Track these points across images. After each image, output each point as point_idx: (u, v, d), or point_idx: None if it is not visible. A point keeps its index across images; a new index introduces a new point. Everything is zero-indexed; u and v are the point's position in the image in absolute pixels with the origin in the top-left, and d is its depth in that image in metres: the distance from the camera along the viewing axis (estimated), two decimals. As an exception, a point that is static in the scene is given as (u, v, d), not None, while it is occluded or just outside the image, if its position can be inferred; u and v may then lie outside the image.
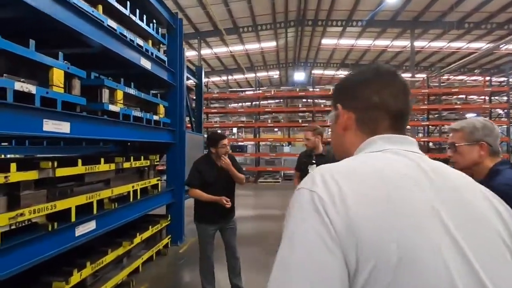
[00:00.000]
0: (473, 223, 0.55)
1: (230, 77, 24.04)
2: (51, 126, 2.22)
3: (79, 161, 2.61)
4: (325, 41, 18.74)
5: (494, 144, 1.41)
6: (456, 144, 1.45)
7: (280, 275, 0.50)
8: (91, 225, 2.72)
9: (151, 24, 3.93)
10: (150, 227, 3.91)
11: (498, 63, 19.64)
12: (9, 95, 1.87)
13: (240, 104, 16.10)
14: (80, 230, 2.59)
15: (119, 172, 3.40)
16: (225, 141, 2.88)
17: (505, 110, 12.16)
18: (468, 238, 0.52)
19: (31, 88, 2.04)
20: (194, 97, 6.71)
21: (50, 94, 2.19)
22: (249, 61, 21.59)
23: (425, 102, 12.82)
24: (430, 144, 12.92)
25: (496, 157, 1.41)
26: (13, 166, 1.96)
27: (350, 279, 0.48)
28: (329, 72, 24.45)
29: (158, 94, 4.18)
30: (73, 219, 2.48)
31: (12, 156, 5.61)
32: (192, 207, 2.91)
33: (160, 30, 4.24)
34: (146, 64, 3.67)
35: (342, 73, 24.19)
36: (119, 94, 3.17)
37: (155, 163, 4.15)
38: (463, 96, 13.06)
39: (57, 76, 2.29)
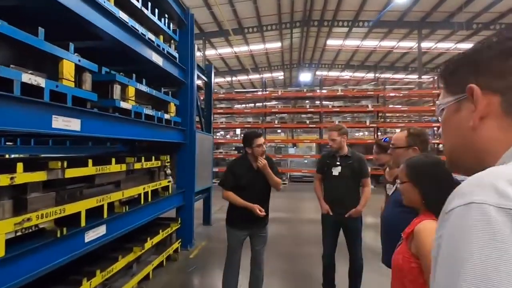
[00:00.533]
0: None
1: (234, 78, 23.91)
2: (60, 123, 2.04)
3: (90, 161, 2.43)
4: (331, 42, 18.58)
5: None
6: None
7: None
8: (102, 230, 2.53)
9: (162, 19, 3.76)
10: (160, 231, 3.72)
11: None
12: (16, 88, 1.69)
13: (244, 105, 15.94)
14: (90, 236, 2.40)
15: (129, 173, 3.22)
16: (261, 140, 2.67)
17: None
18: None
19: (40, 81, 1.86)
20: (202, 97, 6.54)
21: (60, 88, 2.01)
22: (254, 62, 21.46)
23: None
24: (440, 146, 12.67)
25: None
26: (19, 166, 1.78)
27: None
28: (334, 73, 24.27)
29: (170, 92, 4.00)
30: (83, 223, 2.29)
31: (17, 156, 5.44)
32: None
33: (171, 26, 4.07)
34: (158, 60, 3.50)
35: (347, 74, 24.03)
36: (131, 91, 2.99)
37: (166, 164, 3.96)
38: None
39: (68, 69, 2.12)
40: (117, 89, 2.77)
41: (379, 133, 12.51)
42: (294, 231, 5.66)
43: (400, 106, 16.07)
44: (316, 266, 3.67)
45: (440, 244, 0.40)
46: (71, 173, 2.22)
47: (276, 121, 12.98)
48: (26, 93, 1.75)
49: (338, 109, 12.17)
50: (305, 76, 21.15)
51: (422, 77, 16.80)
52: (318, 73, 22.66)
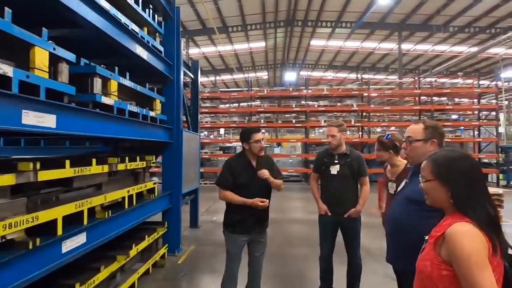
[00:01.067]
0: None
1: (218, 77, 23.60)
2: (32, 118, 1.78)
3: (67, 162, 2.17)
4: (314, 42, 18.71)
5: None
6: None
7: None
8: (81, 239, 2.28)
9: (146, 10, 3.52)
10: (146, 236, 3.47)
11: (478, 66, 20.30)
12: (-23, 76, 1.45)
13: (228, 105, 15.72)
14: (68, 246, 2.14)
15: (111, 175, 2.96)
16: (259, 136, 2.49)
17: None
18: None
19: (7, 70, 1.61)
20: (188, 95, 6.29)
21: (32, 79, 1.76)
22: (238, 61, 21.26)
23: (418, 103, 12.99)
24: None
25: None
26: (-18, 168, 1.53)
27: None
28: (317, 74, 24.49)
29: (155, 89, 3.75)
30: (59, 232, 2.04)
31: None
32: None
33: (156, 18, 3.83)
34: (142, 53, 3.26)
35: (330, 74, 24.35)
36: (113, 85, 2.74)
37: (151, 165, 3.71)
38: (454, 98, 13.37)
39: (41, 58, 1.86)
40: (97, 82, 2.52)
41: (361, 133, 12.69)
42: (284, 232, 5.53)
43: (381, 106, 16.43)
44: (310, 268, 3.55)
45: None
46: (45, 175, 1.97)
47: (261, 121, 12.86)
48: (-10, 84, 1.50)
49: (323, 109, 12.21)
50: (290, 76, 21.18)
51: (402, 78, 17.25)
52: (302, 73, 22.78)
